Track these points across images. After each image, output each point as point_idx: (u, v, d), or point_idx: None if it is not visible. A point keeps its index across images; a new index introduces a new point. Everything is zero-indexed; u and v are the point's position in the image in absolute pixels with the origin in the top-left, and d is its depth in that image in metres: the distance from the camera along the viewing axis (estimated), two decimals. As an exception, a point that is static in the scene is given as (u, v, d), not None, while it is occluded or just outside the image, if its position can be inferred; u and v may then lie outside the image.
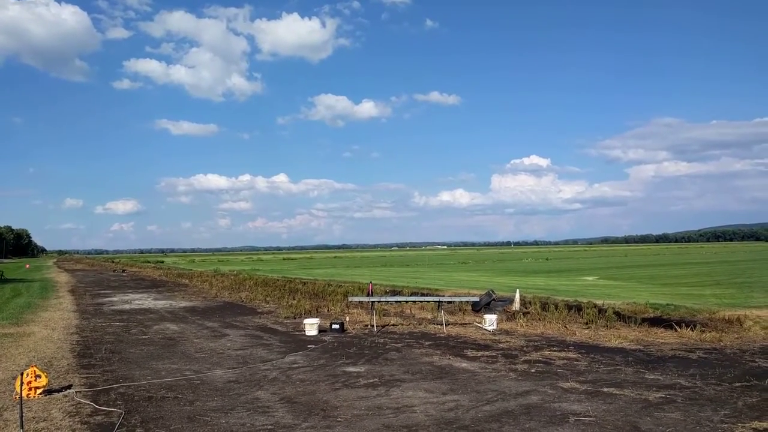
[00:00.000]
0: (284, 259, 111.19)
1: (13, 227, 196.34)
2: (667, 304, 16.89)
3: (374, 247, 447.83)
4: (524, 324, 14.74)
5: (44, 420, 7.10)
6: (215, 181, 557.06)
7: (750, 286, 24.57)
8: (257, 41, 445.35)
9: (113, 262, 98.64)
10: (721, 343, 11.71)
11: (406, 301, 18.68)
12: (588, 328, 13.94)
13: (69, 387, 8.79)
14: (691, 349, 11.19)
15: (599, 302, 17.40)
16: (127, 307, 21.98)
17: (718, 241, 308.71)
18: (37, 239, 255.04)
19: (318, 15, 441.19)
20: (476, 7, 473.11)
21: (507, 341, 12.53)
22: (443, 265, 60.00)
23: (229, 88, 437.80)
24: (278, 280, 34.02)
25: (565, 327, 14.15)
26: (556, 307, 16.44)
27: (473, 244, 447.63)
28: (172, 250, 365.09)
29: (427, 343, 12.43)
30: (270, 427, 6.78)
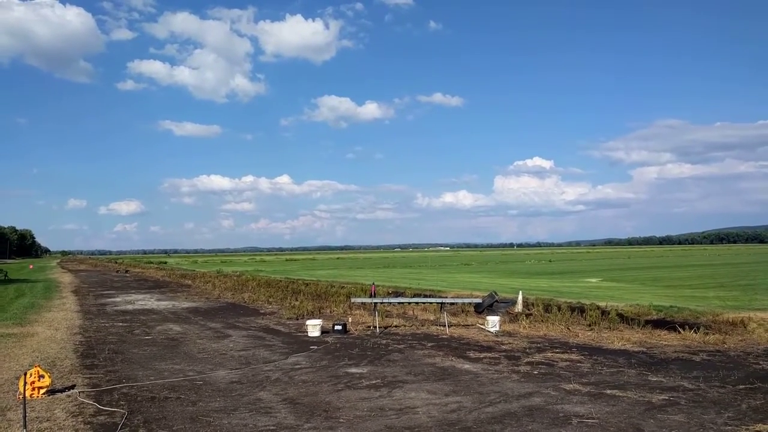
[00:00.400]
0: (287, 260, 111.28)
1: (17, 228, 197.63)
2: (671, 306, 16.83)
3: (377, 248, 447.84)
4: (527, 326, 14.71)
5: (47, 420, 7.12)
6: (218, 182, 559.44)
7: (754, 288, 24.46)
8: (261, 43, 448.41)
9: (116, 262, 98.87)
10: (725, 346, 11.66)
11: (409, 303, 18.66)
12: (591, 329, 13.90)
13: (72, 387, 8.81)
14: (694, 352, 11.14)
15: (602, 304, 17.34)
16: (130, 307, 22.02)
17: (722, 243, 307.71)
18: (41, 240, 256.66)
19: (321, 17, 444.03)
20: (479, 9, 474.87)
21: (510, 343, 12.51)
22: (446, 267, 59.95)
23: (233, 90, 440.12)
24: (281, 281, 34.03)
25: (568, 329, 14.12)
26: (559, 308, 16.40)
27: (476, 246, 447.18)
28: (175, 251, 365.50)
29: (429, 345, 12.42)
30: (272, 427, 6.78)
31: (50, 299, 25.78)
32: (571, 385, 8.55)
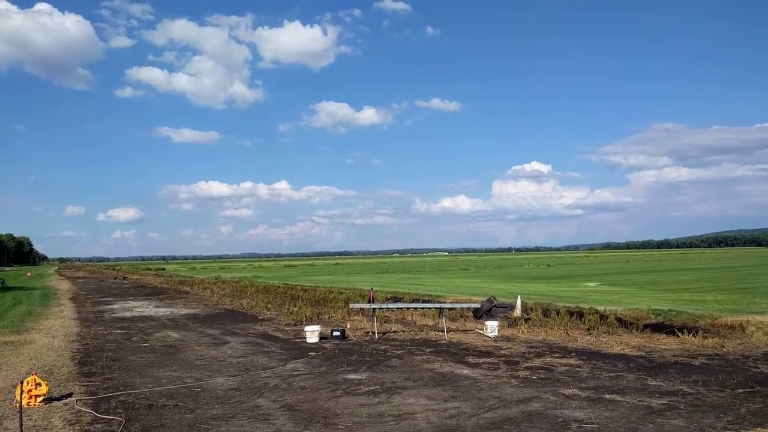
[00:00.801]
0: (285, 266, 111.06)
1: (15, 235, 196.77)
2: (669, 310, 16.82)
3: (375, 253, 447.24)
4: (526, 330, 14.71)
5: (44, 428, 7.08)
6: (217, 188, 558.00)
7: (752, 291, 24.47)
8: (259, 49, 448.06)
9: (114, 269, 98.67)
10: (724, 349, 11.66)
11: (408, 308, 18.64)
12: (590, 334, 13.90)
13: (69, 395, 8.77)
14: (693, 356, 11.14)
15: (601, 308, 17.34)
16: (128, 314, 21.96)
17: (720, 247, 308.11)
18: (39, 247, 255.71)
19: (319, 23, 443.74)
20: (477, 14, 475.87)
21: (508, 348, 12.50)
22: (444, 272, 59.88)
23: (231, 96, 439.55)
24: (279, 287, 33.97)
25: (567, 333, 14.11)
26: (558, 313, 16.39)
27: (474, 251, 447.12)
28: (174, 258, 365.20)
29: (428, 350, 12.40)
30: (271, 434, 6.75)
31: (48, 307, 25.69)
32: (570, 390, 8.54)
